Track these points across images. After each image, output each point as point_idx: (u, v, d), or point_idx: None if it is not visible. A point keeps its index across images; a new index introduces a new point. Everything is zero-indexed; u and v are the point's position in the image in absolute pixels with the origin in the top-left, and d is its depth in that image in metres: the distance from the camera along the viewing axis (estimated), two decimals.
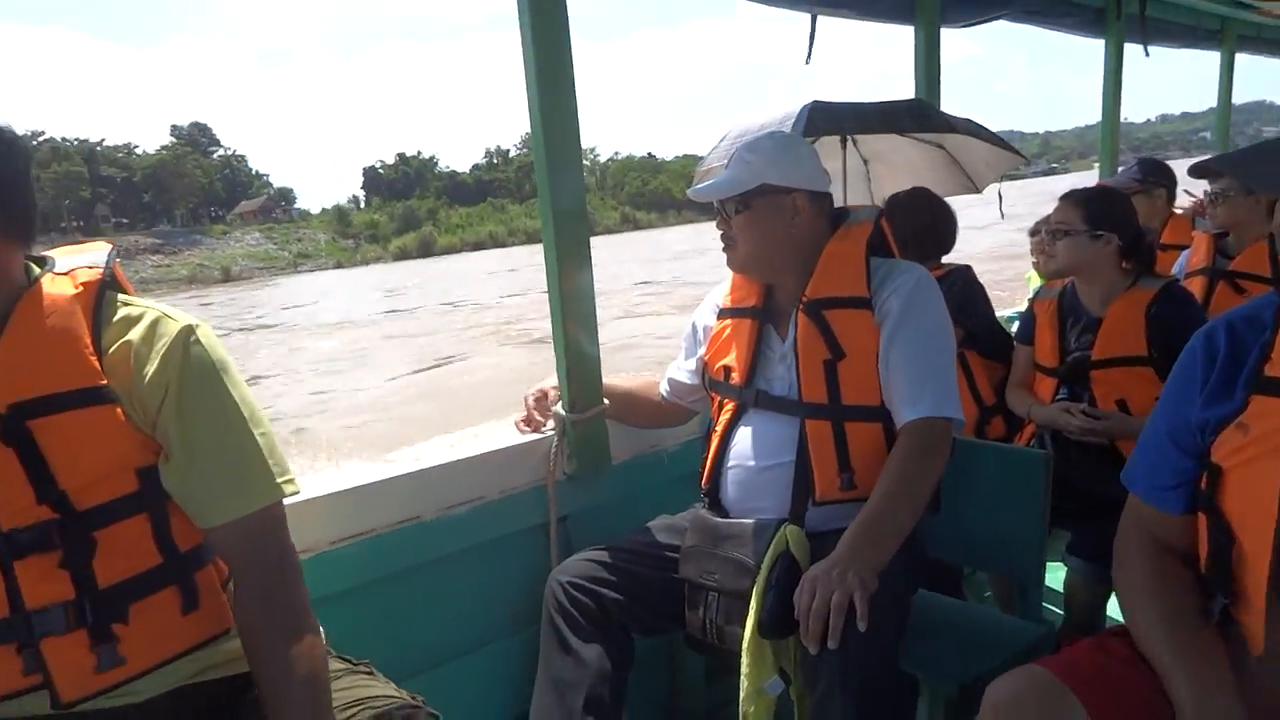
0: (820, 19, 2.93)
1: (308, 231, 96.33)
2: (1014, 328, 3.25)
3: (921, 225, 2.50)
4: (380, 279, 53.16)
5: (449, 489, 1.81)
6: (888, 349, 1.59)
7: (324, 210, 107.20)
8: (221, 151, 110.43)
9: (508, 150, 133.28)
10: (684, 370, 1.96)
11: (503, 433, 2.09)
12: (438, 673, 1.77)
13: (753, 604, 1.46)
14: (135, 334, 1.10)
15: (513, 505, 1.90)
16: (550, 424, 1.98)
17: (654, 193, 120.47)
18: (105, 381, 1.08)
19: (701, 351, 1.88)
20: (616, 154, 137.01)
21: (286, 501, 1.29)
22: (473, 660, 1.84)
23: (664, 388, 2.01)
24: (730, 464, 1.71)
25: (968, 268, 2.56)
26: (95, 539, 1.08)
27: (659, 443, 2.17)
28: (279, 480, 1.17)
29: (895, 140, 3.37)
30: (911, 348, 1.57)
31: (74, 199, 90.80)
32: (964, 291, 2.45)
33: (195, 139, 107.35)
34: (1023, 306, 3.66)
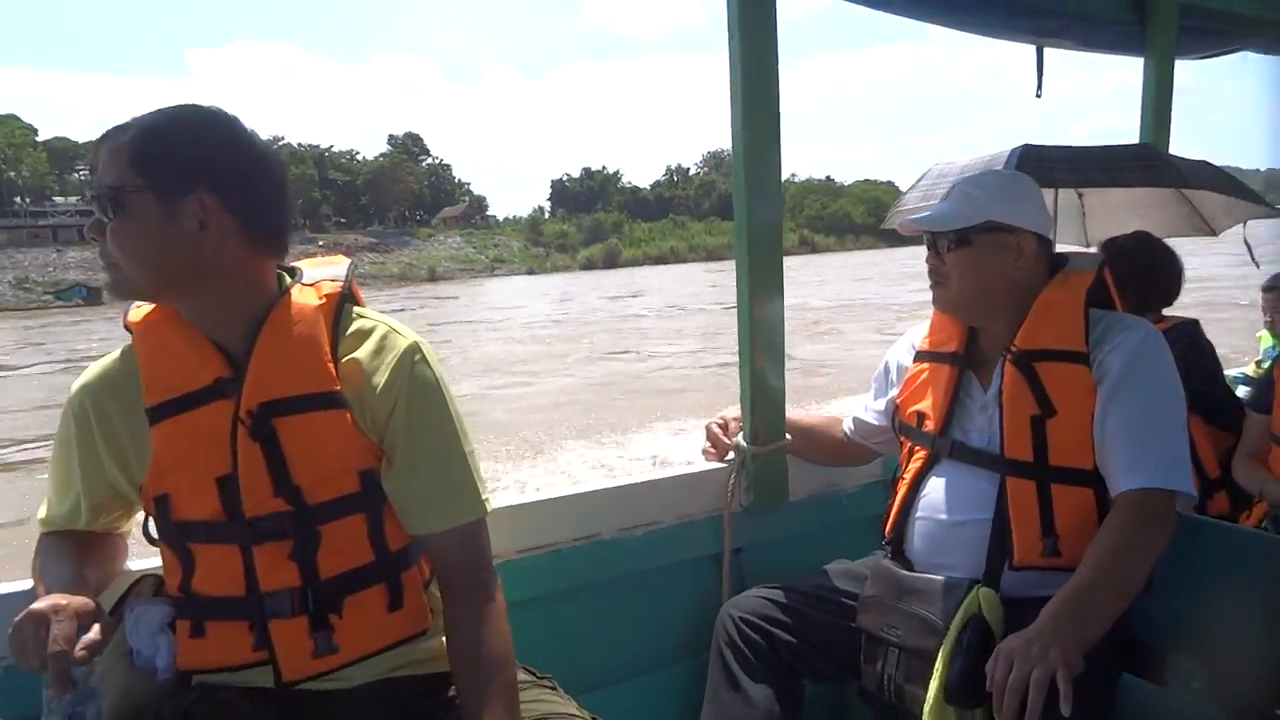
0: (1047, 50, 2.78)
1: (502, 238, 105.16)
2: (1239, 390, 2.97)
3: (1144, 272, 2.32)
4: (592, 284, 55.29)
5: (628, 510, 1.84)
6: (1105, 409, 1.47)
7: (517, 218, 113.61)
8: (429, 160, 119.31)
9: (688, 168, 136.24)
10: (871, 410, 1.90)
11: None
12: (607, 692, 1.78)
13: (938, 666, 1.39)
14: (368, 346, 1.19)
15: (688, 532, 1.91)
16: (731, 454, 1.97)
17: (833, 216, 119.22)
18: (339, 387, 1.16)
19: (894, 393, 1.81)
20: (794, 175, 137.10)
21: None
22: (641, 683, 1.86)
23: (848, 425, 1.96)
24: (918, 514, 1.63)
25: (1195, 322, 2.36)
26: (320, 533, 1.16)
27: (838, 482, 2.12)
28: (484, 496, 1.25)
29: None
30: (1134, 410, 1.45)
31: (306, 199, 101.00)
32: (1191, 349, 2.25)
33: (409, 148, 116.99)
34: (1249, 368, 3.39)
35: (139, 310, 1.22)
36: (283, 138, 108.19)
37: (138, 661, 1.14)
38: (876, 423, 1.89)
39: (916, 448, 1.69)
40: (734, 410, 2.01)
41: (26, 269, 77.04)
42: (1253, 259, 2.82)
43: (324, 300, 1.20)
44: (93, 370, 1.23)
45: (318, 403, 1.14)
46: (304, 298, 1.20)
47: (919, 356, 1.76)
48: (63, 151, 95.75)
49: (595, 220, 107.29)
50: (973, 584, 1.47)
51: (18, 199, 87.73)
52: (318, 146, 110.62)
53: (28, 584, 1.27)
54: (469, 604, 1.20)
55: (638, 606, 1.87)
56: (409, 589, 1.23)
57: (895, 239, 2.63)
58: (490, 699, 1.14)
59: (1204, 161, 2.61)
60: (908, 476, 1.68)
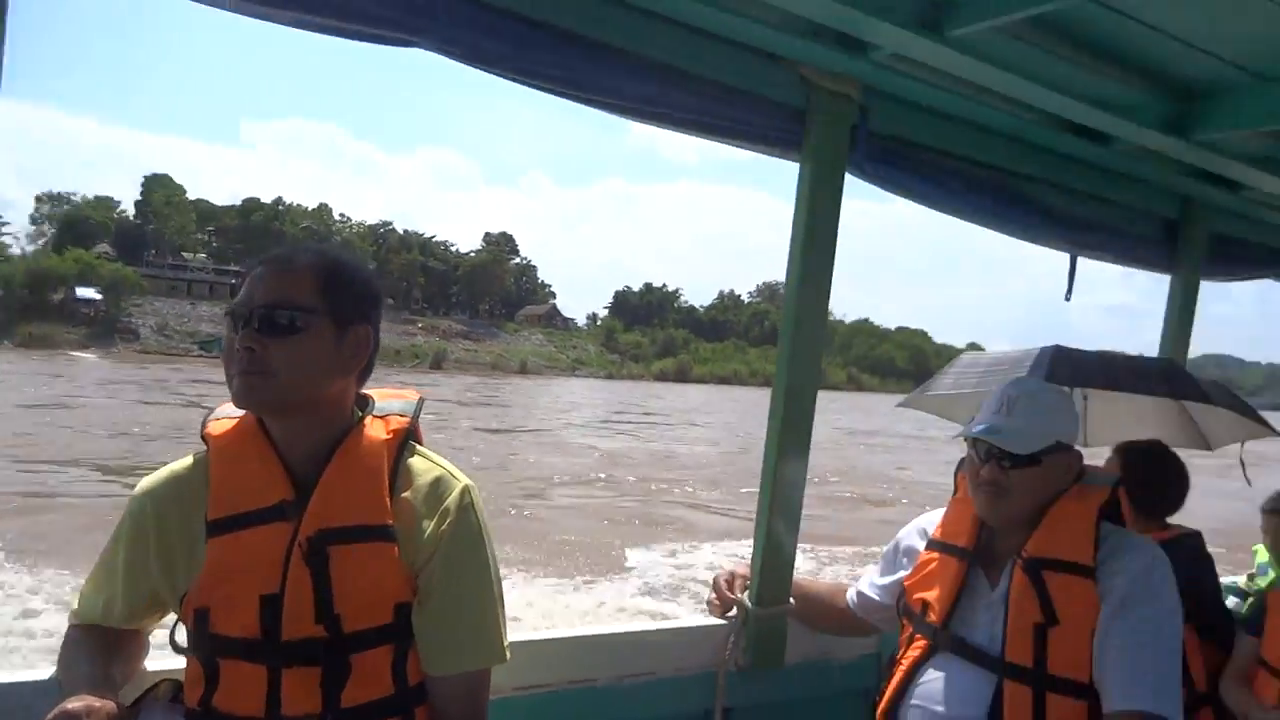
0: (1080, 259, 2.85)
1: (579, 340, 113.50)
2: (1228, 599, 2.96)
3: (1157, 480, 2.34)
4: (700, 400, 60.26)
5: (624, 658, 1.85)
6: (1107, 627, 1.51)
7: (594, 322, 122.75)
8: (518, 260, 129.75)
9: (739, 295, 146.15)
10: (876, 587, 1.92)
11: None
12: None
13: None
14: (422, 486, 1.25)
15: (682, 686, 1.91)
16: (733, 610, 1.99)
17: (879, 358, 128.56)
18: (391, 522, 1.21)
19: (902, 574, 1.83)
20: (845, 316, 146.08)
21: None
22: None
23: (851, 597, 1.97)
24: (913, 702, 1.64)
25: (1198, 534, 2.38)
26: (350, 663, 1.18)
27: (832, 651, 2.14)
28: (505, 644, 1.28)
29: None
30: (1135, 633, 1.49)
31: (412, 283, 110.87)
32: (1194, 564, 2.25)
33: (501, 245, 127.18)
34: (1241, 578, 3.36)
35: (219, 423, 1.27)
36: (390, 223, 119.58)
37: None
38: (880, 600, 1.90)
39: (917, 635, 1.71)
40: (741, 565, 2.05)
41: (165, 316, 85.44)
42: (1245, 477, 2.79)
43: (390, 435, 1.27)
44: (161, 475, 1.28)
45: (370, 535, 1.19)
46: (375, 430, 1.26)
47: (931, 544, 1.78)
48: (205, 212, 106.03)
49: (668, 335, 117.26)
50: None
51: (152, 252, 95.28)
52: (422, 234, 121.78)
53: (47, 672, 1.30)
54: None
55: None
56: None
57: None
58: None
59: (1218, 383, 2.67)
60: (905, 663, 1.70)
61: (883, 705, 1.69)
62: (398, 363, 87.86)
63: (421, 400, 1.36)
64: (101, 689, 1.12)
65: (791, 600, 2.00)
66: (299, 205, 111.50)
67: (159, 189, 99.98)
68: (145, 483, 1.28)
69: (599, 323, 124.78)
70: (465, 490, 1.27)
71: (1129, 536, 1.62)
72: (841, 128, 1.98)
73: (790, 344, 1.96)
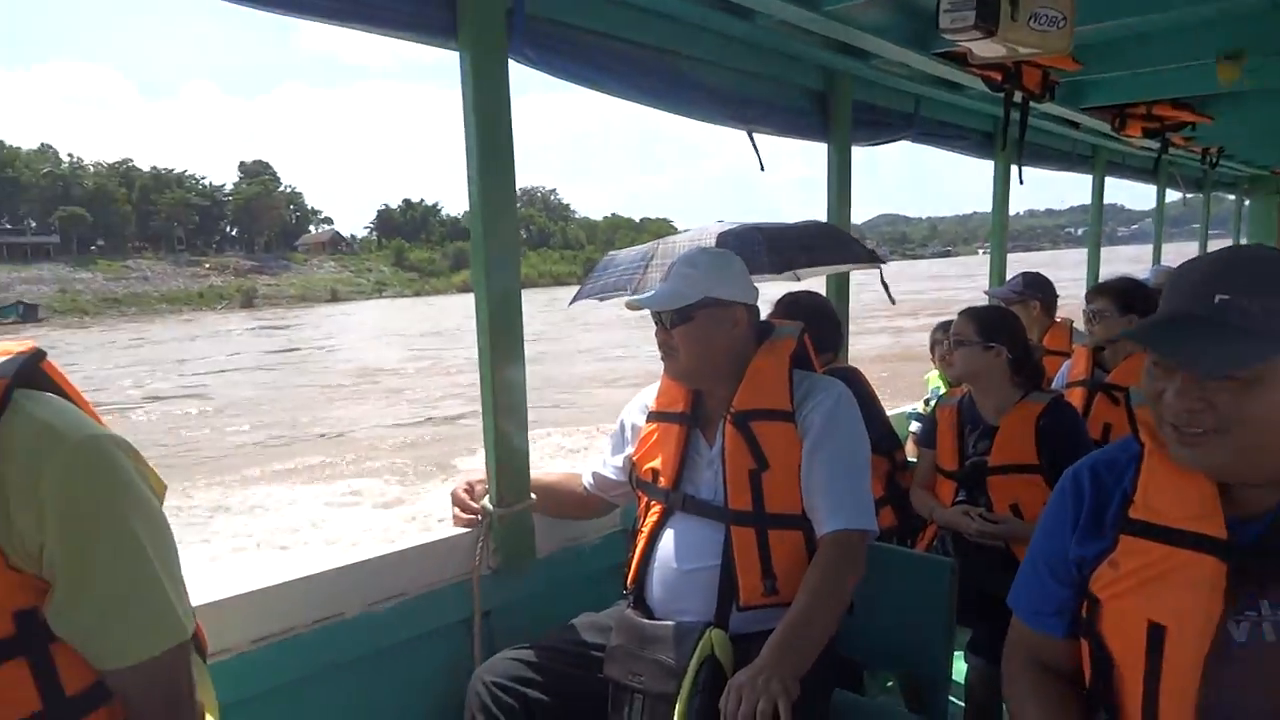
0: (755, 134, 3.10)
1: (372, 263, 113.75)
2: (911, 425, 3.62)
3: (811, 325, 2.39)
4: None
5: (372, 585, 1.79)
6: (809, 462, 1.68)
7: (382, 244, 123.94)
8: (281, 188, 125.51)
9: None
10: (610, 466, 2.00)
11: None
12: None
13: (678, 708, 1.50)
14: (18, 460, 0.94)
15: (436, 601, 1.89)
16: (478, 517, 1.99)
17: None
18: None
19: (629, 450, 1.93)
20: (588, 214, 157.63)
21: (209, 598, 1.26)
22: None
23: (587, 480, 2.05)
24: (656, 564, 1.75)
25: (855, 369, 2.74)
26: None
27: (580, 536, 2.20)
28: (182, 616, 1.04)
29: None
30: (832, 463, 1.67)
31: (183, 223, 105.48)
32: (855, 392, 2.45)
33: (260, 174, 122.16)
34: (919, 405, 3.90)
35: None
36: (131, 159, 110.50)
37: None
38: (615, 477, 1.99)
39: (652, 502, 1.81)
40: (479, 474, 2.05)
41: None
42: (889, 296, 3.10)
43: None
44: None
45: None
46: None
47: (651, 416, 1.89)
48: None
49: (457, 249, 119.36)
50: (705, 627, 1.60)
51: None
52: (173, 170, 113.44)
53: None
54: None
55: (387, 684, 1.83)
56: None
57: None
58: None
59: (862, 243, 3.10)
60: (645, 529, 1.80)
61: (631, 574, 1.79)
62: (205, 305, 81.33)
63: (37, 352, 1.02)
64: None
65: (532, 496, 2.03)
66: (29, 150, 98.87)
67: None
68: None
69: (387, 245, 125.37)
70: (77, 446, 0.96)
71: (819, 379, 1.78)
72: (495, 10, 1.90)
73: (484, 243, 1.90)
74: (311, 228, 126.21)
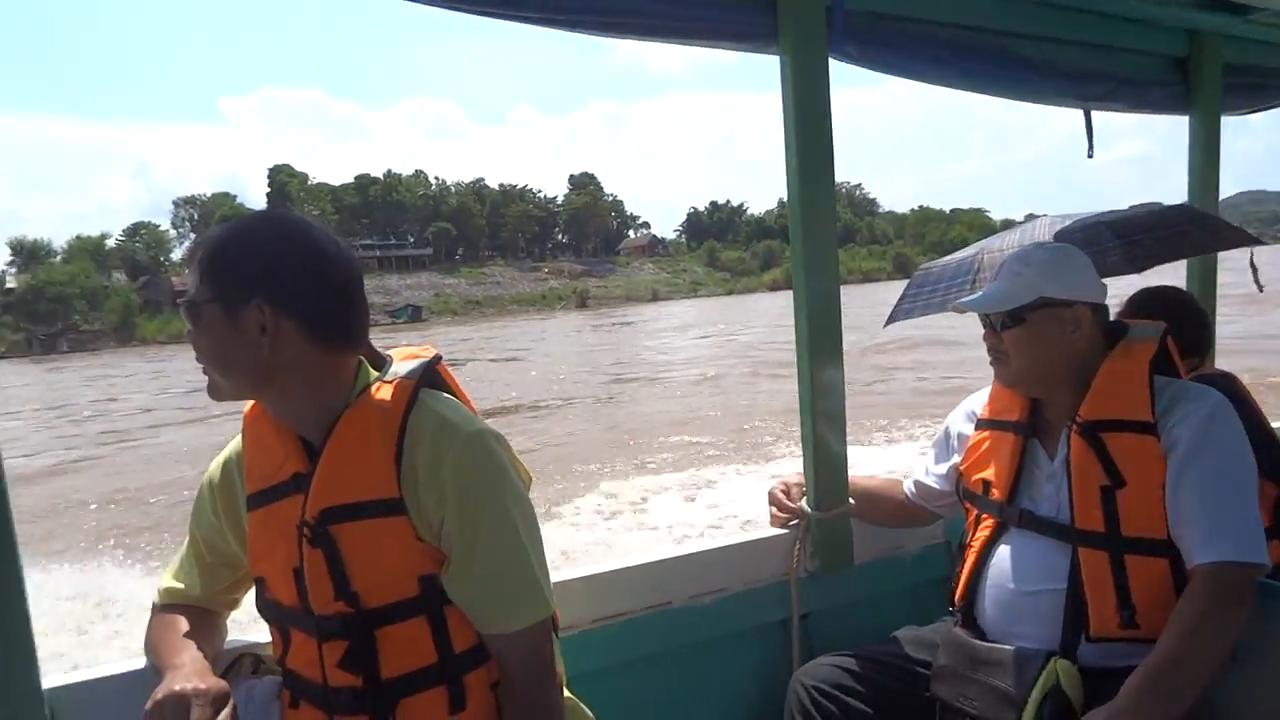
0: (1094, 113, 2.81)
1: (686, 264, 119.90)
2: None
3: (1172, 325, 2.10)
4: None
5: (696, 578, 1.86)
6: (1178, 481, 1.46)
7: (692, 246, 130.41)
8: (606, 197, 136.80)
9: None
10: (933, 475, 1.91)
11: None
12: None
13: None
14: (424, 446, 1.15)
15: (755, 599, 1.93)
16: (795, 519, 2.00)
17: (952, 244, 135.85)
18: (398, 494, 1.14)
19: (956, 459, 1.82)
20: (892, 206, 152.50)
21: (555, 578, 1.35)
22: None
23: (908, 488, 1.97)
24: (989, 582, 1.63)
25: (1230, 375, 2.31)
26: (376, 637, 1.15)
27: (900, 545, 2.13)
28: (547, 594, 1.21)
29: None
30: (1207, 482, 1.44)
31: (525, 233, 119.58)
32: (1235, 402, 2.10)
33: (587, 185, 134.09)
34: None
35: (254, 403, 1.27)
36: (483, 179, 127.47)
37: None
38: (938, 487, 1.90)
39: (984, 515, 1.70)
40: (795, 475, 2.05)
41: None
42: (1257, 283, 2.69)
43: (393, 400, 1.18)
44: (219, 456, 1.31)
45: (375, 510, 1.14)
46: (382, 394, 1.19)
47: (980, 424, 1.77)
48: (325, 192, 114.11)
49: (766, 247, 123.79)
50: (1049, 655, 1.47)
51: None
52: (516, 186, 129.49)
53: (138, 663, 1.33)
54: (529, 708, 1.19)
55: (708, 674, 1.89)
56: (474, 690, 1.20)
57: None
58: None
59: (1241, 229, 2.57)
60: (976, 544, 1.68)
61: (960, 589, 1.68)
62: (546, 306, 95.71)
63: (436, 358, 1.26)
64: (203, 669, 1.15)
65: (851, 500, 2.00)
66: (408, 176, 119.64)
67: (285, 178, 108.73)
68: (210, 465, 1.32)
69: (697, 247, 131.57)
70: (467, 439, 1.16)
71: (1187, 386, 1.56)
72: (815, 11, 1.88)
73: (802, 245, 1.90)
74: (630, 232, 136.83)
